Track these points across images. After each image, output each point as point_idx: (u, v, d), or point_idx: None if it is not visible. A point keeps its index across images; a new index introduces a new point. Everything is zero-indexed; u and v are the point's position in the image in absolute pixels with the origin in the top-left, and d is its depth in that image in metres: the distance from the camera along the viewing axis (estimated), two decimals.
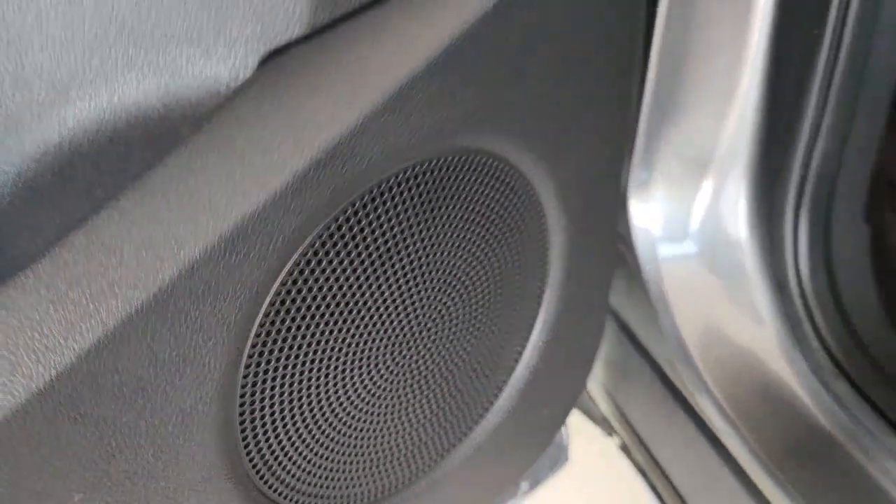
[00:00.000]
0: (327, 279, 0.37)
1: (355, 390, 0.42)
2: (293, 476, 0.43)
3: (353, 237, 0.37)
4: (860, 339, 0.67)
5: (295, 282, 0.36)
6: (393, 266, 0.40)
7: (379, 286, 0.40)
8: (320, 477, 0.45)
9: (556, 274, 0.54)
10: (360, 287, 0.39)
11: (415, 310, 0.43)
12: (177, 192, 0.28)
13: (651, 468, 0.85)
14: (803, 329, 0.67)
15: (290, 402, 0.39)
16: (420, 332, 0.44)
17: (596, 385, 0.91)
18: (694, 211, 0.68)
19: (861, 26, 0.58)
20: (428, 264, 0.42)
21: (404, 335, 0.43)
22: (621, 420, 0.88)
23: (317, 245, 0.35)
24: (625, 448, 0.91)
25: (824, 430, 0.64)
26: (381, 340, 0.42)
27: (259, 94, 0.29)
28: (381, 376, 0.44)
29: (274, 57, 0.31)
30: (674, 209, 0.69)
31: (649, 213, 0.69)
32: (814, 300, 0.67)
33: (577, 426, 0.94)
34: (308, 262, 0.35)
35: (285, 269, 0.34)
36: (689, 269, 0.69)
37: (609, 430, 0.93)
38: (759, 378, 0.68)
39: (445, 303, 0.45)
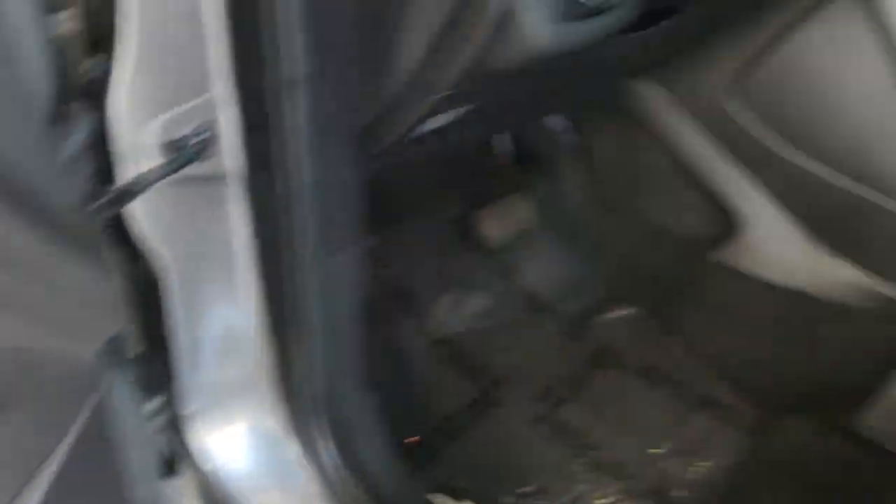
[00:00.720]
0: None
1: None
2: None
3: None
4: (380, 496, 0.93)
5: None
6: None
7: None
8: None
9: None
10: None
11: None
12: None
13: None
14: (344, 499, 0.91)
15: None
16: None
17: None
18: (241, 433, 0.88)
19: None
20: None
21: None
22: None
23: None
24: None
25: None
26: None
27: None
28: None
29: None
30: (225, 435, 0.88)
31: (209, 443, 0.88)
32: (349, 477, 0.91)
33: None
34: None
35: None
36: (253, 478, 0.89)
37: None
38: None
39: None
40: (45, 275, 0.47)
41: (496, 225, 1.53)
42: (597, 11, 0.71)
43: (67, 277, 0.50)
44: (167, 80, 0.70)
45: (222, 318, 0.82)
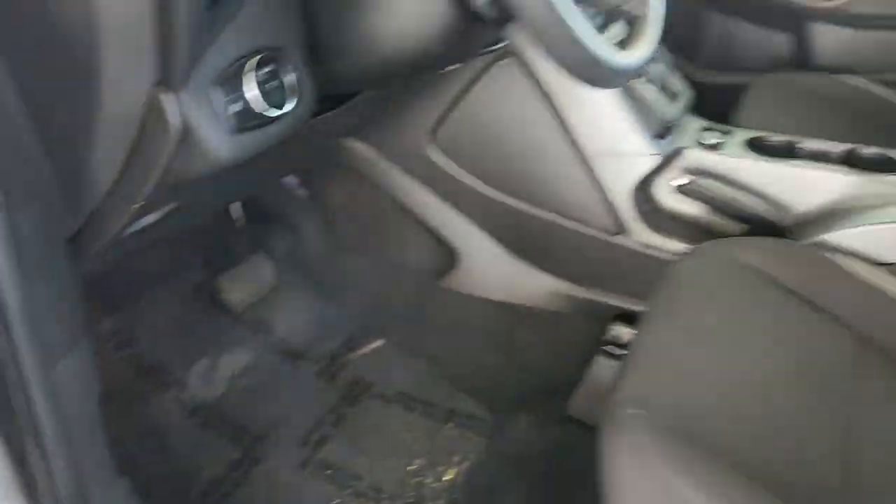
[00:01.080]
0: None
1: None
2: None
3: None
4: None
5: None
6: None
7: None
8: None
9: None
10: None
11: None
12: None
13: None
14: None
15: None
16: None
17: None
18: None
19: None
20: None
21: None
22: None
23: None
24: None
25: None
26: None
27: None
28: None
29: None
30: None
31: None
32: None
33: None
34: None
35: None
36: None
37: None
38: None
39: None
40: None
41: (239, 287, 1.59)
42: (273, 119, 0.81)
43: None
44: None
45: None
